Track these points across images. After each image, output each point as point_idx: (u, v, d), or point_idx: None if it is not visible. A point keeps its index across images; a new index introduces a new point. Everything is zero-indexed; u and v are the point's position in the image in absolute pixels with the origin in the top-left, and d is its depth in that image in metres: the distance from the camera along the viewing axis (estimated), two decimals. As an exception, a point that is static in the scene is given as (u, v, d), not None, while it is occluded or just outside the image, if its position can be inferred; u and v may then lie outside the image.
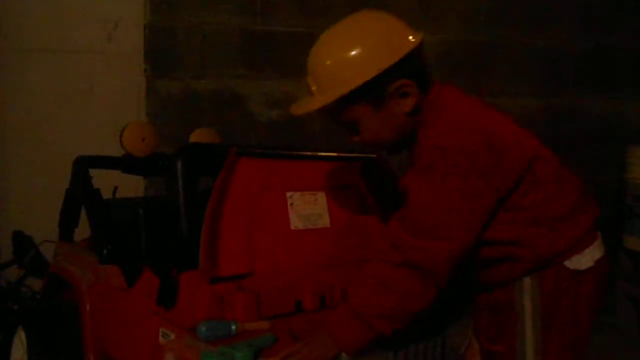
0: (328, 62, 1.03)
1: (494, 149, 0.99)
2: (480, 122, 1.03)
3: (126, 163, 1.63)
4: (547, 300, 1.06)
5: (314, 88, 1.05)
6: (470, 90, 2.44)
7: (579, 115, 2.52)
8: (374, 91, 1.00)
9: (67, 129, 2.23)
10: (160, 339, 1.09)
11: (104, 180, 1.59)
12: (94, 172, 1.58)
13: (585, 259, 1.06)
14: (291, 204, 1.27)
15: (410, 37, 1.01)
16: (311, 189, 1.32)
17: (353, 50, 1.00)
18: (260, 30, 2.27)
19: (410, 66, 1.00)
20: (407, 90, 1.01)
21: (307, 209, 1.29)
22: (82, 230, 1.65)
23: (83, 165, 1.57)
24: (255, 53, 2.28)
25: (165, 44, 2.23)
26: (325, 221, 1.32)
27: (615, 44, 2.50)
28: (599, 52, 2.50)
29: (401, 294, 0.96)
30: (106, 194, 1.57)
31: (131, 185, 2.13)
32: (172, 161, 1.19)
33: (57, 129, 2.23)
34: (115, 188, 1.71)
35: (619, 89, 2.55)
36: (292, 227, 1.26)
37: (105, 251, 1.35)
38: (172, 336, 1.06)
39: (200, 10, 2.24)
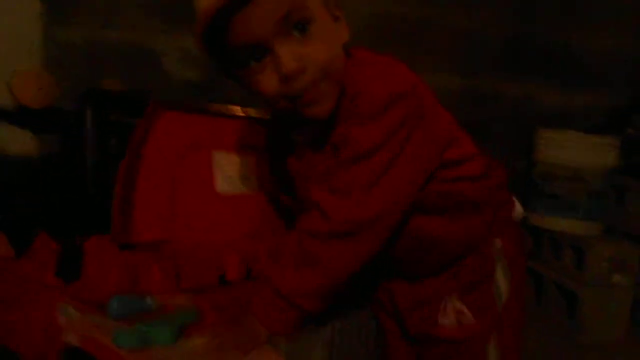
0: None
1: (426, 97, 0.89)
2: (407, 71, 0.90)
3: (17, 115, 1.40)
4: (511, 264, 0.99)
5: None
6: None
7: (496, 97, 2.58)
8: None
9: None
10: (59, 317, 0.92)
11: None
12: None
13: (518, 207, 1.05)
14: (217, 164, 1.13)
15: None
16: (239, 149, 1.18)
17: None
18: (178, -20, 2.06)
19: None
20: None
21: (234, 171, 1.16)
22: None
23: (-38, 115, 1.32)
24: (172, 5, 2.07)
25: (67, -15, 1.96)
26: (253, 185, 1.19)
27: (535, 32, 2.58)
28: (519, 38, 2.56)
29: (327, 265, 0.83)
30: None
31: (18, 143, 1.87)
32: (79, 107, 1.01)
33: None
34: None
35: (532, 75, 2.63)
36: (218, 190, 1.12)
37: (-13, 215, 1.14)
38: (75, 314, 0.89)
39: (111, -50, 1.99)
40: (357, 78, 0.87)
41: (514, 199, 1.06)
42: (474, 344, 0.95)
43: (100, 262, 0.93)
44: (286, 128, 1.00)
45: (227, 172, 1.14)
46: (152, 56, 2.08)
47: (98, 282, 0.91)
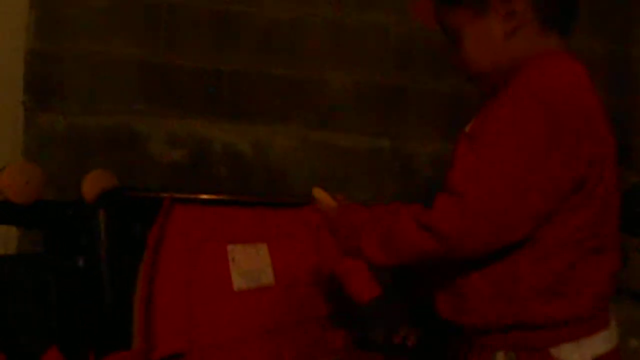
0: None
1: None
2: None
3: (3, 211, 1.33)
4: None
5: None
6: (381, 133, 2.43)
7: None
8: None
9: None
10: None
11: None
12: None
13: (579, 353, 0.79)
14: (232, 259, 1.08)
15: None
16: (253, 239, 1.14)
17: None
18: (163, 64, 2.05)
19: None
20: (515, 10, 0.85)
21: (250, 264, 1.11)
22: None
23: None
24: (156, 88, 2.05)
25: (49, 73, 1.92)
26: (269, 278, 1.14)
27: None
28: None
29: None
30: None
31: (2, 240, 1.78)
32: (92, 211, 0.95)
33: None
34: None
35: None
36: (235, 288, 1.06)
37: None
38: None
39: (95, 38, 1.96)
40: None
41: (591, 337, 0.81)
42: None
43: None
44: None
45: (243, 266, 1.09)
46: (136, 139, 2.04)
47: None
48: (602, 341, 0.81)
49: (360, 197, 2.29)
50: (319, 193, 0.95)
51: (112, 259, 0.91)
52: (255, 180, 2.16)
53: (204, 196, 1.07)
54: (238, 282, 1.07)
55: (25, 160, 1.85)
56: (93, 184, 1.46)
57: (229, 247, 1.08)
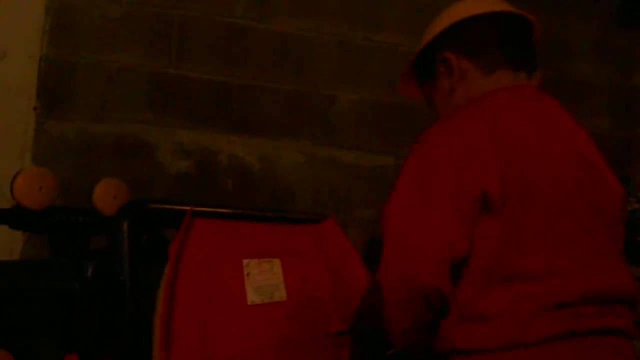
0: None
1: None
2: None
3: (15, 217, 1.33)
4: None
5: None
6: (386, 151, 2.44)
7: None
8: (427, 63, 1.01)
9: None
10: None
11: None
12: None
13: None
14: (247, 274, 1.09)
15: (473, 10, 0.94)
16: (266, 254, 1.15)
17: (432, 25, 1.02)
18: (173, 75, 2.07)
19: (462, 40, 0.95)
20: (451, 65, 0.96)
21: (264, 280, 1.12)
22: None
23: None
24: (166, 98, 2.07)
25: (62, 80, 1.93)
26: (281, 293, 1.15)
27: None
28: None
29: None
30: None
31: (4, 243, 1.78)
32: (116, 222, 0.96)
33: None
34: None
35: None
36: (249, 302, 1.08)
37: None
38: None
39: (107, 47, 1.98)
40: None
41: None
42: None
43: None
44: None
45: (257, 281, 1.10)
46: (144, 148, 2.05)
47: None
48: None
49: (363, 214, 2.31)
50: None
51: (134, 269, 0.92)
52: (261, 194, 2.17)
53: (223, 210, 1.09)
54: (252, 296, 1.08)
55: (35, 165, 1.86)
56: (105, 192, 1.47)
57: (244, 262, 1.09)
